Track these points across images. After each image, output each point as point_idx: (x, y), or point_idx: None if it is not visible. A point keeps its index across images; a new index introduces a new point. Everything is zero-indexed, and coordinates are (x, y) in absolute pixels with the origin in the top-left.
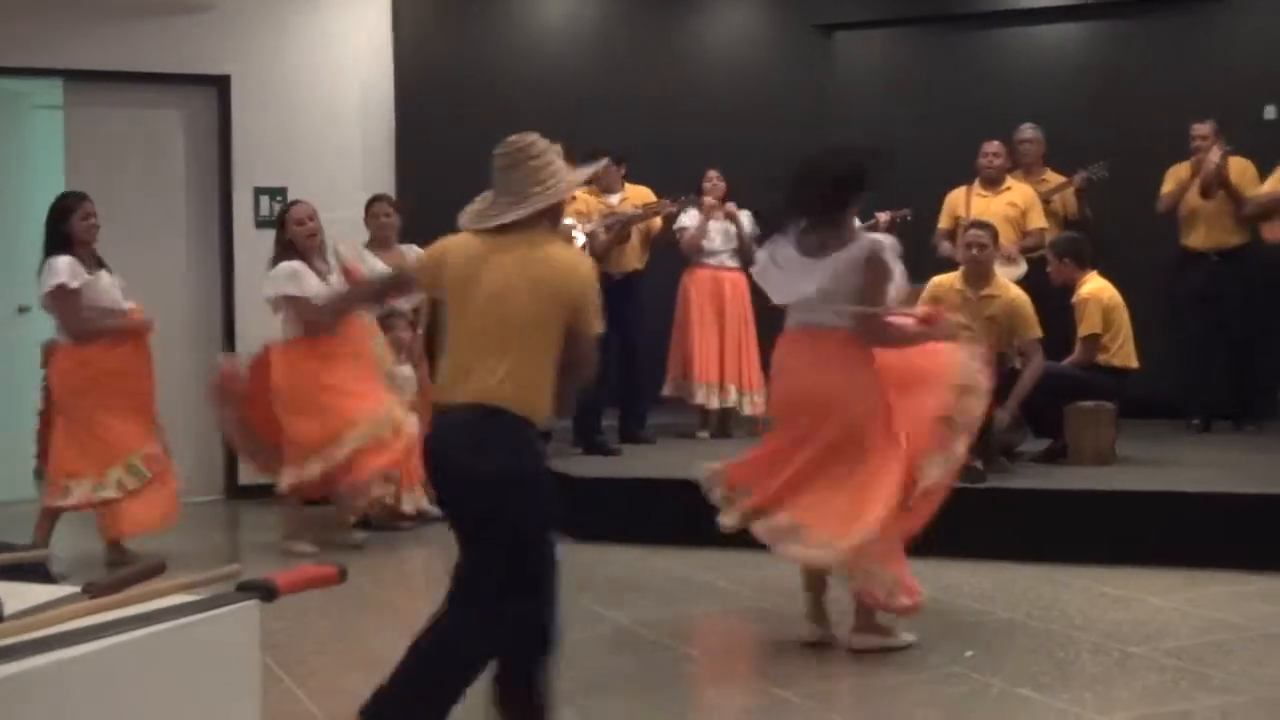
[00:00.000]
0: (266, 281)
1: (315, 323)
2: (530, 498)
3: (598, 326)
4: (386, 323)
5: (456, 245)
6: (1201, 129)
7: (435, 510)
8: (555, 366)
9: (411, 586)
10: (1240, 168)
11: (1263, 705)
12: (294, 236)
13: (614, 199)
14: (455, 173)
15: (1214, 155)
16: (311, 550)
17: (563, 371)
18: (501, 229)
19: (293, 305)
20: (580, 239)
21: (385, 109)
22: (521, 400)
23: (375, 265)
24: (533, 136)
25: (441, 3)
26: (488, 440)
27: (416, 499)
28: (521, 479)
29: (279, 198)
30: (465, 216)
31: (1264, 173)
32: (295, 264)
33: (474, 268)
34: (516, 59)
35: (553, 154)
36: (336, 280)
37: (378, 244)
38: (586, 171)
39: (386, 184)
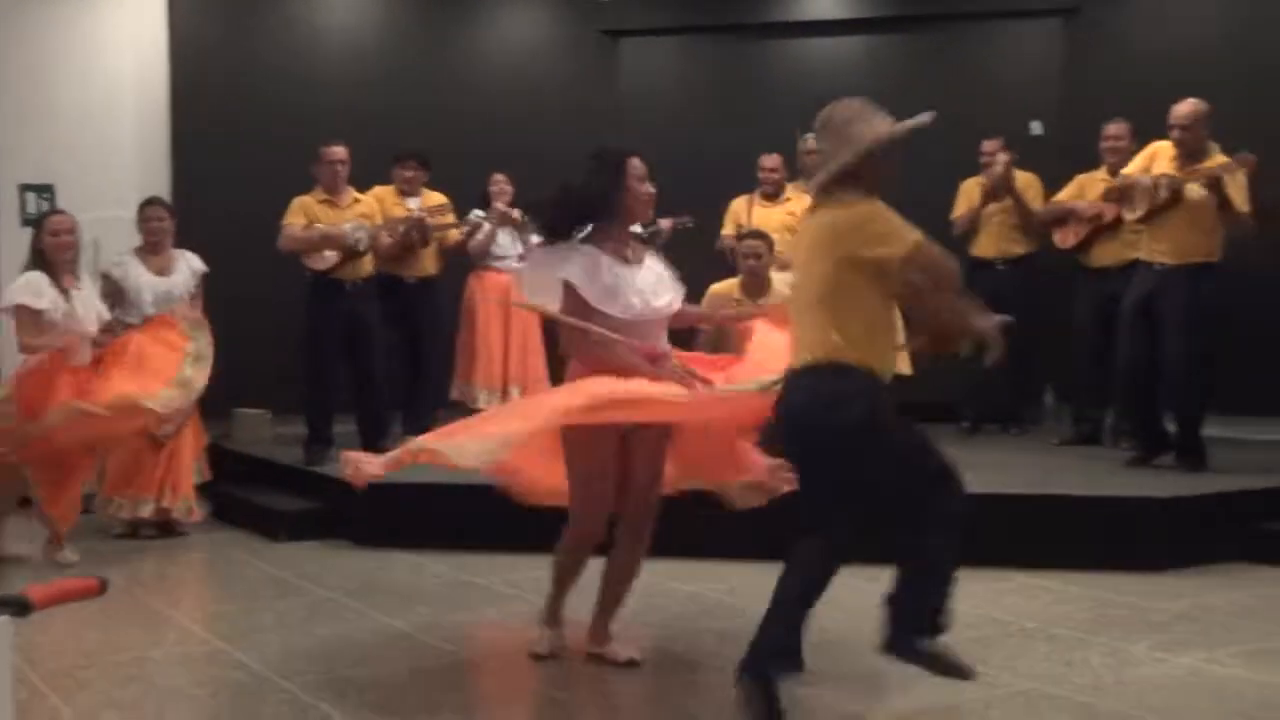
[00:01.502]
0: (6, 289)
1: (31, 345)
2: (867, 444)
3: (901, 243)
4: None
5: None
6: (990, 145)
7: (189, 519)
8: (884, 312)
9: (188, 595)
10: (1025, 180)
11: (1020, 697)
12: (46, 246)
13: (412, 203)
14: (232, 174)
15: (1000, 164)
16: (74, 560)
17: (922, 300)
18: (820, 195)
19: (23, 318)
20: (364, 241)
21: (160, 109)
22: (847, 352)
23: (134, 271)
24: (844, 100)
25: (220, 2)
26: (822, 393)
27: (188, 504)
28: (861, 426)
29: (45, 195)
30: None
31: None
32: (37, 276)
33: (799, 235)
34: (299, 62)
35: (861, 114)
36: (87, 296)
37: (149, 247)
38: (893, 123)
39: (161, 184)
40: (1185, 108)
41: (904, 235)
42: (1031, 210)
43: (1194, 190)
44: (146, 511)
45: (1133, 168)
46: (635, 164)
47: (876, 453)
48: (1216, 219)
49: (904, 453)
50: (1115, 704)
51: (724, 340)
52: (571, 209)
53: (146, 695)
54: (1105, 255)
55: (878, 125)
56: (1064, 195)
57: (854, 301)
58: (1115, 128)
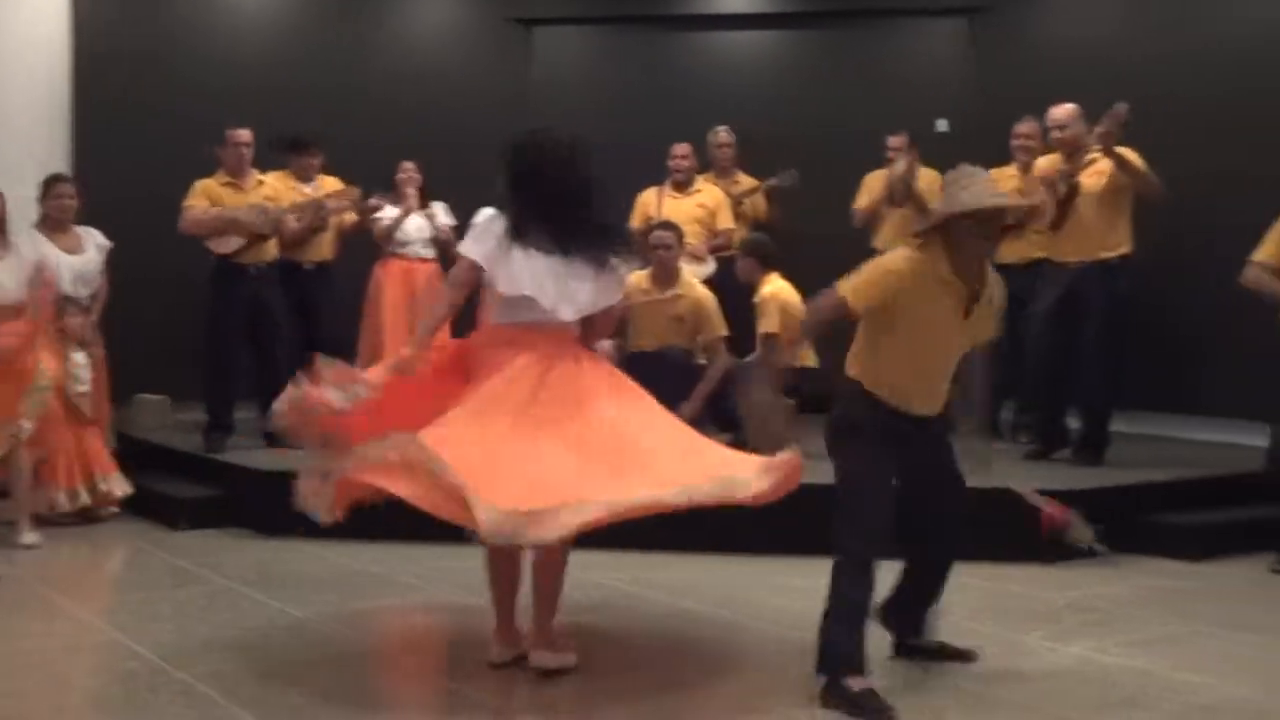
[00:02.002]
0: None
1: None
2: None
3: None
4: (59, 309)
5: None
6: (895, 140)
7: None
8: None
9: (85, 584)
10: (928, 179)
11: (914, 686)
12: None
13: (308, 188)
14: (133, 154)
15: (901, 165)
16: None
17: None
18: None
19: None
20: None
21: (61, 84)
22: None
23: (46, 250)
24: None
25: None
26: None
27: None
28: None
29: None
30: None
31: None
32: None
33: None
34: (205, 42)
35: (960, 178)
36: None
37: (53, 225)
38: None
39: (60, 162)
40: (1060, 111)
41: (840, 286)
42: (930, 210)
43: (1090, 181)
44: (67, 504)
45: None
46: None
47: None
48: (1119, 209)
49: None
50: (1007, 693)
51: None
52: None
53: (41, 686)
54: (1009, 253)
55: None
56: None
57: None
58: (1026, 126)
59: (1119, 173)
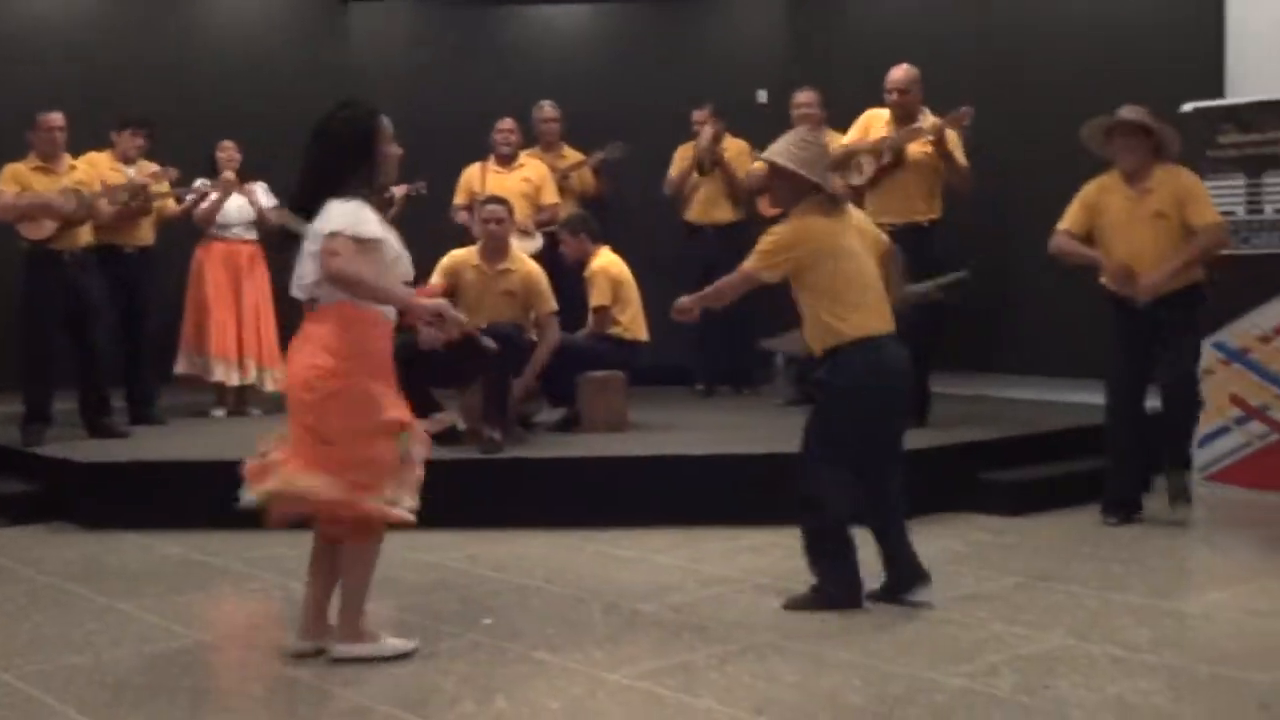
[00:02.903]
0: None
1: None
2: None
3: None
4: None
5: None
6: (700, 114)
7: None
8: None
9: None
10: (737, 148)
11: (753, 651)
12: None
13: (130, 170)
14: None
15: (705, 136)
16: None
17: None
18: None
19: None
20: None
21: None
22: None
23: None
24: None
25: None
26: None
27: None
28: None
29: None
30: None
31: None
32: None
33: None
34: (15, 20)
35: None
36: None
37: None
38: None
39: None
40: (900, 72)
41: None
42: (738, 178)
43: (915, 150)
44: None
45: (850, 137)
46: (385, 123)
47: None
48: (936, 178)
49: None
50: (843, 652)
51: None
52: (329, 174)
53: None
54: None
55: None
56: (759, 165)
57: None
58: (805, 95)
59: (941, 162)
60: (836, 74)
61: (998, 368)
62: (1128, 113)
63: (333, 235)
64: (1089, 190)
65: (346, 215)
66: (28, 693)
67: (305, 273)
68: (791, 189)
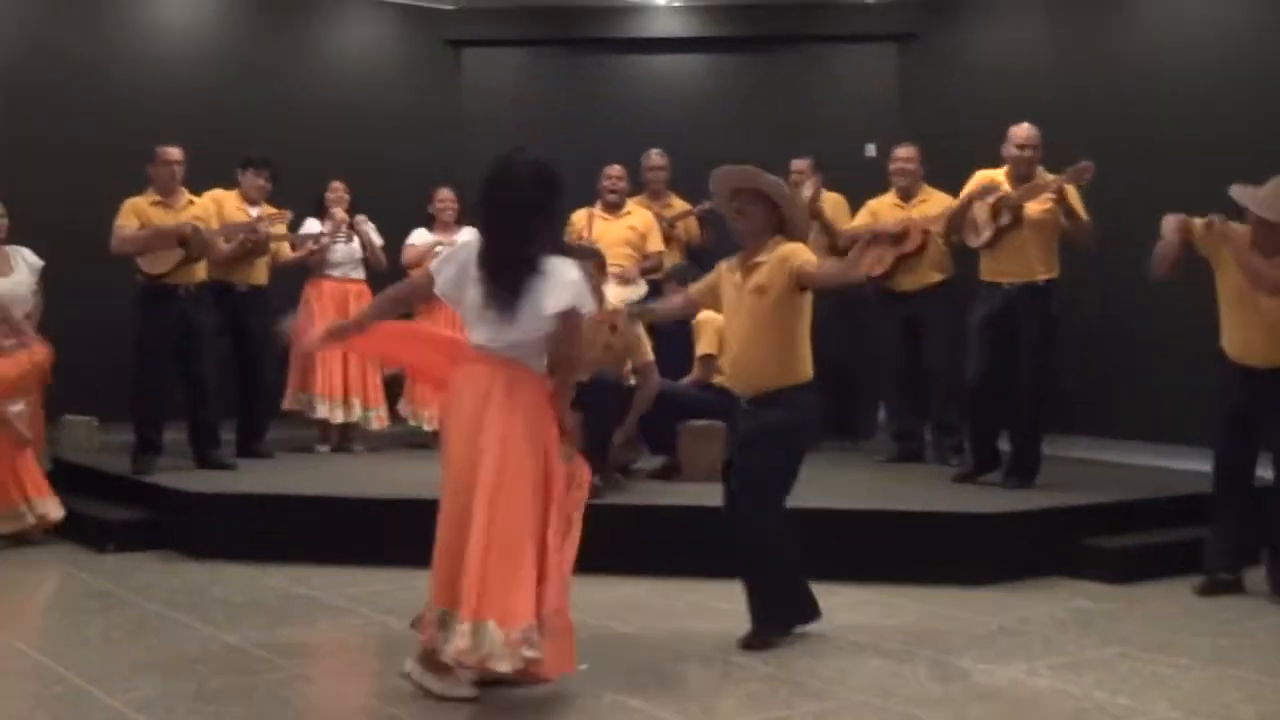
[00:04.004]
0: None
1: None
2: None
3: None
4: None
5: None
6: (800, 164)
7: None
8: None
9: (9, 608)
10: (834, 202)
11: (850, 710)
12: None
13: (255, 211)
14: (60, 173)
15: (806, 191)
16: None
17: None
18: None
19: None
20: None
21: None
22: None
23: None
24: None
25: None
26: None
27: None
28: None
29: None
30: None
31: (858, 207)
32: None
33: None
34: (133, 60)
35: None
36: None
37: None
38: None
39: None
40: (1025, 130)
41: None
42: (836, 232)
43: (1035, 208)
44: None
45: (964, 196)
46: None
47: None
48: (1054, 237)
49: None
50: (941, 715)
51: None
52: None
53: None
54: (908, 280)
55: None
56: (860, 220)
57: None
58: (905, 150)
59: (1063, 218)
60: (947, 128)
61: (1106, 432)
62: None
63: (573, 312)
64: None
65: (581, 289)
66: (133, 717)
67: (527, 330)
68: None
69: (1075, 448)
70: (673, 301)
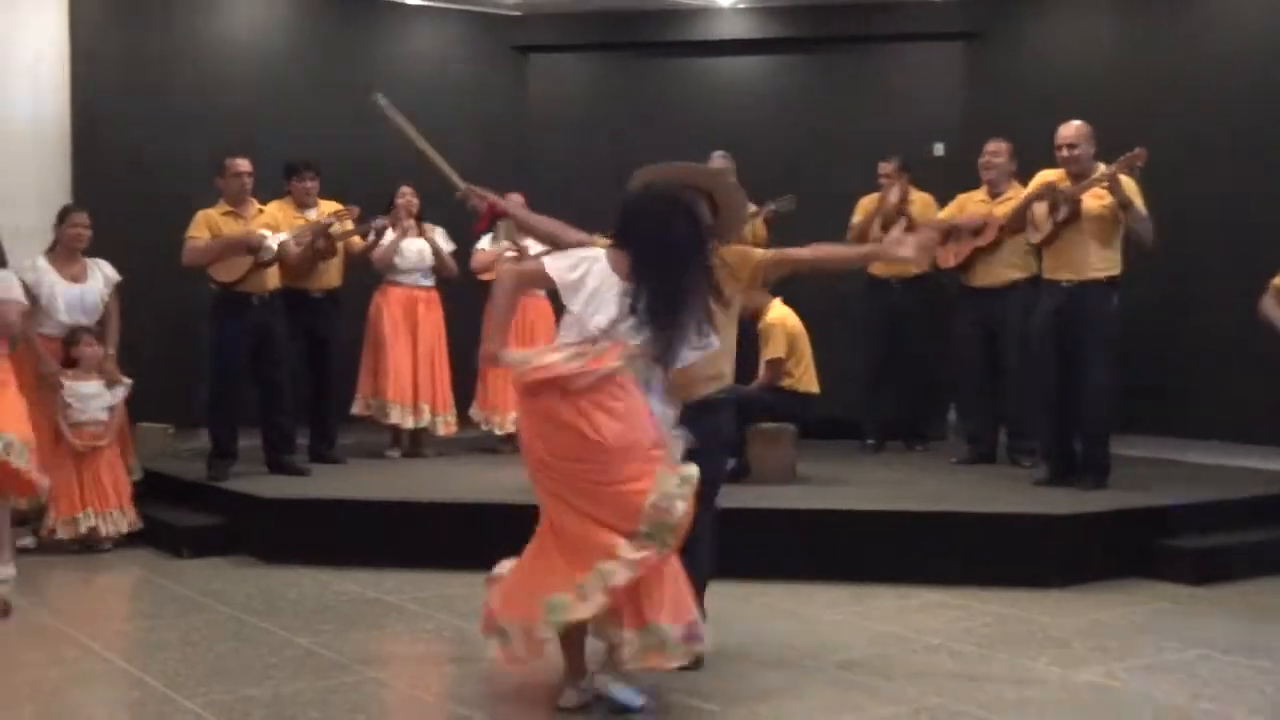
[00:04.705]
0: None
1: None
2: None
3: None
4: (71, 338)
5: None
6: (886, 166)
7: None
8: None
9: (88, 613)
10: (923, 202)
11: (924, 713)
12: None
13: (310, 214)
14: (132, 184)
15: (893, 194)
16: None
17: None
18: None
19: None
20: (272, 248)
21: (60, 115)
22: None
23: (45, 277)
24: None
25: (122, 11)
26: None
27: (115, 520)
28: None
29: None
30: None
31: (939, 205)
32: None
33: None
34: (201, 71)
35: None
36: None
37: (64, 253)
38: None
39: (60, 192)
40: (1070, 129)
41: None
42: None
43: (1092, 203)
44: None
45: (1025, 195)
46: None
47: None
48: (1115, 232)
49: None
50: None
51: None
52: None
53: (48, 715)
54: (985, 276)
55: None
56: (945, 213)
57: None
58: (993, 145)
59: (1120, 213)
60: (1014, 127)
61: (1181, 431)
62: None
63: None
64: None
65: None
66: None
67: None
68: None
69: (1149, 448)
70: None
